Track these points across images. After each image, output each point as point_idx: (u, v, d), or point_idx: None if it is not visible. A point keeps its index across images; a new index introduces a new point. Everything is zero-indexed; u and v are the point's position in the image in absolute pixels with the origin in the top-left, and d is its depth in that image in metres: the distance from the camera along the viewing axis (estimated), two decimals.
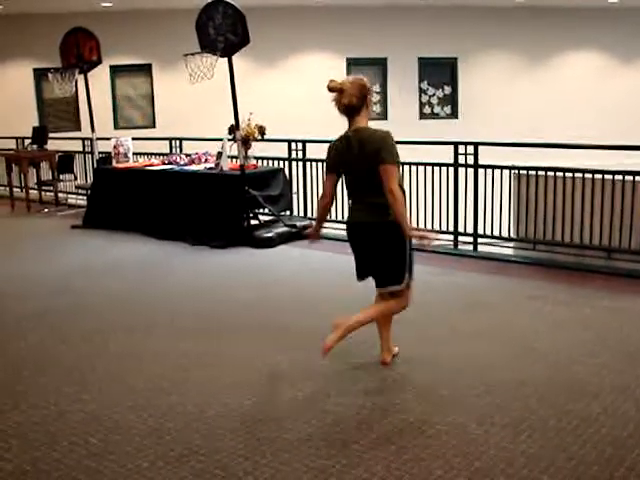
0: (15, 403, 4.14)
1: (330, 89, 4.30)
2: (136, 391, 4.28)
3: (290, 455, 3.46)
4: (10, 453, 3.53)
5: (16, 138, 13.86)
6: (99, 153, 10.94)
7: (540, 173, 7.59)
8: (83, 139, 12.41)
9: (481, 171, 7.91)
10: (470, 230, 8.12)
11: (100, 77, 13.58)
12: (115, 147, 10.25)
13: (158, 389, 4.32)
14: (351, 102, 4.27)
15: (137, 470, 3.34)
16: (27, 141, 12.80)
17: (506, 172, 7.90)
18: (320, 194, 4.55)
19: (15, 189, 12.38)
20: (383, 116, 16.73)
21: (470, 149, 7.95)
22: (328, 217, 9.14)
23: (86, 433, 3.72)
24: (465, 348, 4.90)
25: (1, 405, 4.12)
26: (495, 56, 17.48)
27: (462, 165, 8.02)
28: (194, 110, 14.71)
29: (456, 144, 8.07)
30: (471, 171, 7.98)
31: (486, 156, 7.97)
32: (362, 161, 4.25)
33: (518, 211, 7.93)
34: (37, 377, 4.53)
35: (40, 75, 15.06)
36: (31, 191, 12.06)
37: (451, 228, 8.26)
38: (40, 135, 12.33)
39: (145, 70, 15.73)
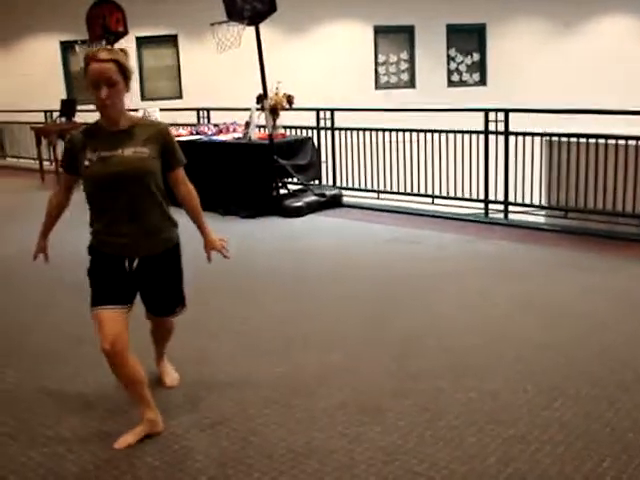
0: (60, 367, 4.20)
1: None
2: (169, 360, 4.31)
3: (324, 422, 3.47)
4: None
5: (45, 111, 13.95)
6: None
7: (572, 140, 7.49)
8: None
9: (511, 138, 7.83)
10: (501, 198, 8.05)
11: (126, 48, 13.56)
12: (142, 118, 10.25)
13: (190, 358, 4.35)
14: None
15: (172, 437, 3.38)
16: (55, 114, 12.86)
17: (537, 139, 7.80)
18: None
19: (44, 162, 12.47)
20: (410, 84, 16.59)
21: (500, 116, 7.86)
22: (357, 185, 9.25)
23: (121, 400, 3.75)
24: (496, 315, 4.89)
25: (60, 370, 4.18)
26: (525, 22, 17.22)
27: (492, 132, 7.94)
28: (221, 80, 14.68)
29: (486, 111, 7.98)
30: (501, 138, 7.90)
31: (516, 123, 7.88)
32: None
33: (549, 178, 7.83)
34: (80, 346, 4.58)
35: (67, 48, 15.08)
36: None
37: (482, 196, 8.20)
38: (68, 108, 12.38)
39: (171, 41, 15.71)
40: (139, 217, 3.29)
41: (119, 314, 3.26)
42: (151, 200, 3.31)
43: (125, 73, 3.24)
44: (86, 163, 3.24)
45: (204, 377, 4.07)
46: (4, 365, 4.35)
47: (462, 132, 8.29)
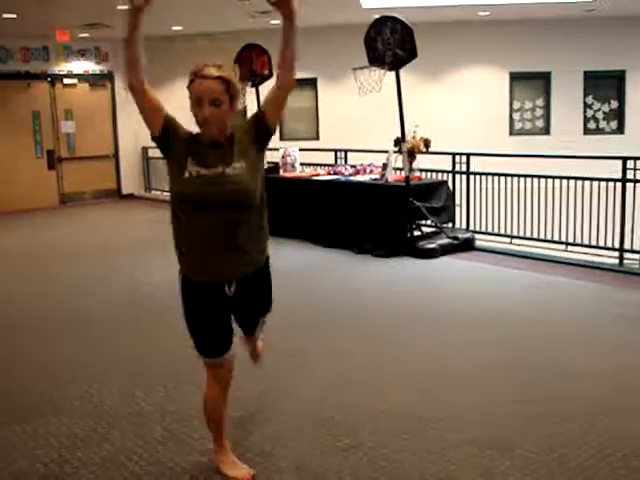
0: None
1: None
2: (310, 385, 4.55)
3: (455, 454, 3.59)
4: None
5: None
6: (267, 163, 11.43)
7: None
8: None
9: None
10: (637, 247, 7.93)
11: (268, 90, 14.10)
12: (283, 157, 10.69)
13: (329, 386, 4.57)
14: None
15: (308, 457, 3.59)
16: None
17: None
18: None
19: None
20: (546, 131, 16.45)
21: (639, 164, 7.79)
22: (490, 229, 9.29)
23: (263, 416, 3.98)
24: (628, 363, 4.86)
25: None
26: None
27: (630, 180, 7.87)
28: (357, 122, 15.02)
29: (625, 159, 7.92)
30: None
31: None
32: None
33: None
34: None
35: None
36: None
37: (616, 244, 8.10)
38: None
39: (310, 84, 16.21)
40: (237, 240, 3.05)
41: (225, 365, 3.29)
42: (250, 220, 3.09)
43: (232, 93, 3.04)
44: (185, 175, 3.00)
45: (341, 404, 4.26)
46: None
47: (598, 179, 8.25)
